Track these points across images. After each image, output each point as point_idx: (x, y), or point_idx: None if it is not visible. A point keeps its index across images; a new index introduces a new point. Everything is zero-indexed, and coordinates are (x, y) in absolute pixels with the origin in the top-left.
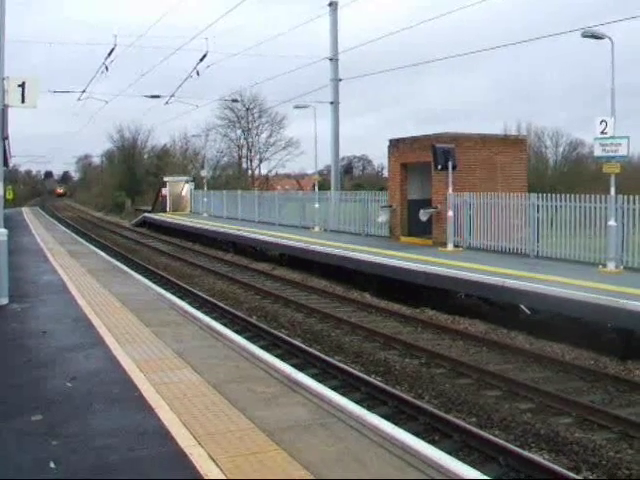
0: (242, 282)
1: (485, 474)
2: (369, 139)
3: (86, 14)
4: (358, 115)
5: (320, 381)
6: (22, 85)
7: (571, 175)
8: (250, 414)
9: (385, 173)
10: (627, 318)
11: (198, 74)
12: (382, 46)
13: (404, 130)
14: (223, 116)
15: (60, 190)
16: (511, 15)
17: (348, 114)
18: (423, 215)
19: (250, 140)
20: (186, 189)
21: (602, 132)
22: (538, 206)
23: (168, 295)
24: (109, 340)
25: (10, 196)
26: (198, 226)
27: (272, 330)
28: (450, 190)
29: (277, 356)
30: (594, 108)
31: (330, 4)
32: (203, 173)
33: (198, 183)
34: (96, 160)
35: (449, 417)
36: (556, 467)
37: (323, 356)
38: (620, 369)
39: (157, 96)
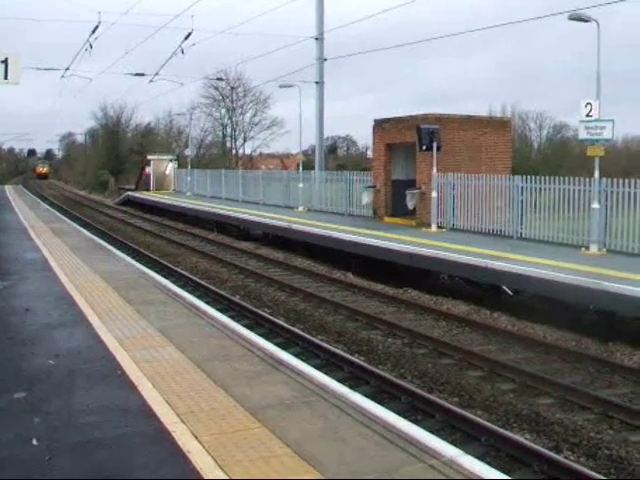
0: (225, 261)
1: (467, 453)
2: (356, 120)
3: None
4: (352, 95)
5: (303, 360)
6: (5, 61)
7: (555, 158)
8: (233, 392)
9: (369, 154)
10: (609, 300)
11: (183, 52)
12: (374, 24)
13: (397, 111)
14: (208, 95)
15: (43, 169)
16: None
17: (341, 95)
18: (410, 201)
19: (234, 119)
20: (170, 168)
21: (587, 115)
22: (522, 188)
23: (151, 273)
24: (92, 318)
25: None
26: (181, 205)
27: (255, 309)
28: (434, 171)
29: (260, 335)
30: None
31: None
32: (187, 152)
33: (182, 162)
34: (80, 138)
35: (431, 397)
36: (537, 446)
37: (306, 335)
38: (601, 350)
39: (141, 74)
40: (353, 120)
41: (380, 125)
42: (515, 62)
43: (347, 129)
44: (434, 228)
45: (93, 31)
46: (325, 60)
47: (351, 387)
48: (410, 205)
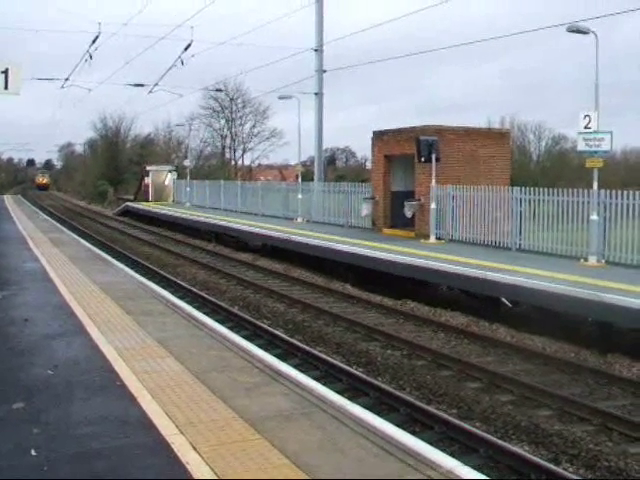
0: (224, 272)
1: (465, 464)
2: (357, 131)
3: (72, 1)
4: (354, 106)
5: (302, 371)
6: (5, 72)
7: (554, 169)
8: (232, 403)
9: (368, 165)
10: (607, 312)
11: (183, 63)
12: (378, 36)
13: (399, 122)
14: (207, 106)
15: (43, 179)
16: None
17: (343, 105)
18: (408, 211)
19: (234, 130)
20: (169, 179)
21: (586, 126)
22: (521, 199)
23: (150, 284)
24: (91, 328)
25: None
26: (180, 216)
27: (254, 320)
28: (433, 182)
29: (259, 346)
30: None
31: None
32: (186, 163)
33: (181, 173)
34: (79, 148)
35: (430, 408)
36: (536, 458)
37: (305, 346)
38: (600, 362)
39: (141, 85)
40: (354, 131)
41: (379, 136)
42: (520, 73)
43: (347, 140)
44: (433, 239)
45: (93, 42)
46: (324, 72)
47: (350, 399)
48: (408, 214)
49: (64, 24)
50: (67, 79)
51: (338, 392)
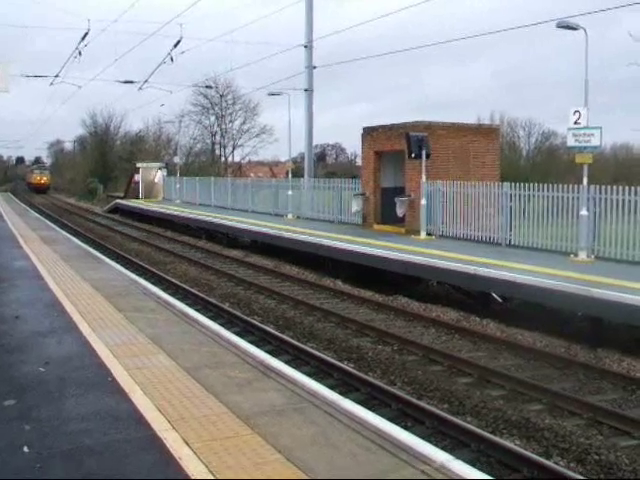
0: (215, 269)
1: (457, 459)
2: (349, 128)
3: None
4: (347, 103)
5: (293, 367)
6: None
7: (544, 165)
8: (224, 399)
9: (358, 161)
10: (596, 307)
11: (172, 60)
12: (373, 32)
13: (393, 119)
14: (197, 102)
15: (41, 178)
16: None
17: (335, 103)
18: (399, 209)
19: (224, 127)
20: (159, 176)
21: (575, 122)
22: (511, 195)
23: (141, 281)
24: (82, 325)
25: None
26: (171, 213)
27: (245, 317)
28: (423, 178)
29: (250, 342)
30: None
31: None
32: (176, 159)
33: (171, 170)
34: (68, 146)
35: (421, 403)
36: (527, 452)
37: (296, 342)
38: (590, 357)
39: (131, 82)
40: (344, 128)
41: (369, 133)
42: (509, 70)
43: (337, 137)
44: (423, 235)
45: (82, 38)
46: (314, 68)
47: (341, 394)
48: (399, 212)
49: (58, 21)
50: (57, 76)
51: (330, 388)
